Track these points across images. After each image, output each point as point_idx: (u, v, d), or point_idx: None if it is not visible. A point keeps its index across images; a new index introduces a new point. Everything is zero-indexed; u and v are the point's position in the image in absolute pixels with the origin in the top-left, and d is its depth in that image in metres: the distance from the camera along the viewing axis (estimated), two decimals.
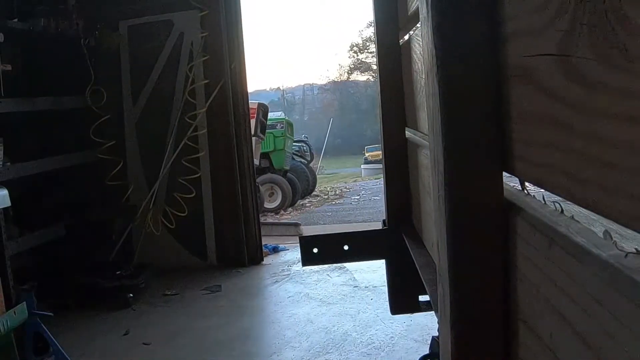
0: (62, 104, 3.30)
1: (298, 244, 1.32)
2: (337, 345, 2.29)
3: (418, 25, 0.98)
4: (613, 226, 0.41)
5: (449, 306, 0.55)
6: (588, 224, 0.46)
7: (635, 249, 0.38)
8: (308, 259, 1.21)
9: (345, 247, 1.18)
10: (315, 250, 1.16)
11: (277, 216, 6.28)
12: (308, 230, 4.82)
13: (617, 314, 0.36)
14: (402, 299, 1.24)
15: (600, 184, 0.38)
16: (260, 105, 5.71)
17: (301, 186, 7.68)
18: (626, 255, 0.39)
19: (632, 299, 0.34)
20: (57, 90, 3.41)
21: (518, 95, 0.50)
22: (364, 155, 8.72)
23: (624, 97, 0.34)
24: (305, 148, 8.70)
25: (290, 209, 7.15)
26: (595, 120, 0.37)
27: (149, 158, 3.59)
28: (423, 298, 1.24)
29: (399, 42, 1.27)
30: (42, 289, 2.75)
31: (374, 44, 1.28)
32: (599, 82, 0.36)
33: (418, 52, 1.01)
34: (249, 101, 3.70)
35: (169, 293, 3.16)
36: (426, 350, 1.37)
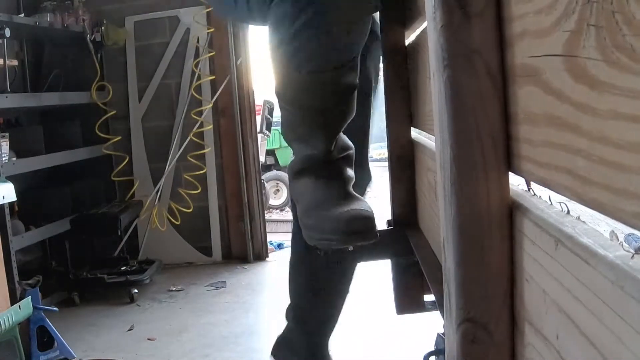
0: (68, 99, 3.31)
1: None
2: (342, 340, 2.29)
3: (424, 25, 0.98)
4: (619, 227, 0.41)
5: (454, 306, 0.55)
6: (594, 225, 0.46)
7: None
8: (311, 262, 1.21)
9: (350, 248, 1.18)
10: (319, 252, 1.16)
11: (283, 213, 6.28)
12: None
13: (623, 315, 0.36)
14: (408, 299, 1.24)
15: (607, 185, 0.38)
16: (266, 102, 5.71)
17: None
18: (633, 256, 0.39)
19: (638, 299, 0.34)
20: (63, 85, 3.42)
21: (525, 95, 0.50)
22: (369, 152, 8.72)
23: (631, 98, 0.34)
24: None
25: None
26: (602, 121, 0.37)
27: (154, 154, 3.60)
28: (428, 298, 1.24)
29: (405, 42, 1.26)
30: (47, 284, 2.77)
31: (380, 43, 1.28)
32: (606, 83, 0.36)
33: (425, 52, 1.00)
34: (255, 98, 3.70)
35: (174, 289, 3.17)
36: (430, 347, 1.37)
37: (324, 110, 1.06)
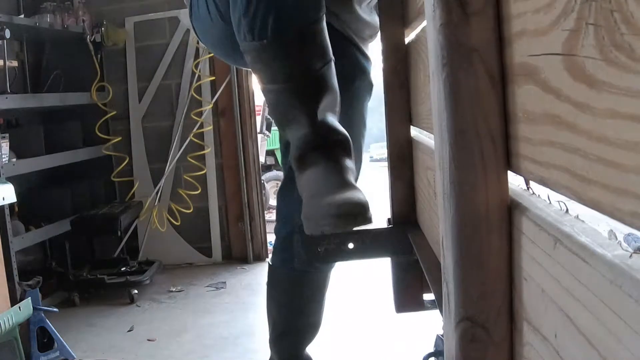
0: (68, 100, 3.32)
1: None
2: (341, 338, 2.30)
3: (424, 23, 0.98)
4: (618, 226, 0.41)
5: (453, 305, 0.55)
6: (593, 224, 0.46)
7: None
8: (312, 259, 1.21)
9: (350, 246, 1.18)
10: (319, 249, 1.16)
11: None
12: None
13: (621, 314, 0.36)
14: (407, 297, 1.24)
15: (605, 184, 0.38)
16: (266, 102, 5.71)
17: None
18: (631, 255, 0.39)
19: (636, 299, 0.34)
20: (63, 86, 3.42)
21: (523, 94, 0.50)
22: (369, 152, 8.70)
23: (630, 97, 0.34)
24: None
25: None
26: (601, 120, 0.37)
27: (154, 154, 3.60)
28: (427, 297, 1.24)
29: (404, 41, 1.26)
30: (47, 285, 2.77)
31: (380, 42, 1.28)
32: (604, 82, 0.36)
33: (424, 51, 1.00)
34: (255, 98, 3.71)
35: (174, 289, 3.17)
36: (430, 348, 1.37)
37: (295, 81, 1.09)
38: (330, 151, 1.08)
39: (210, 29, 1.27)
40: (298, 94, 1.09)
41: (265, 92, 1.15)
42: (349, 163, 1.10)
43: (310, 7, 1.08)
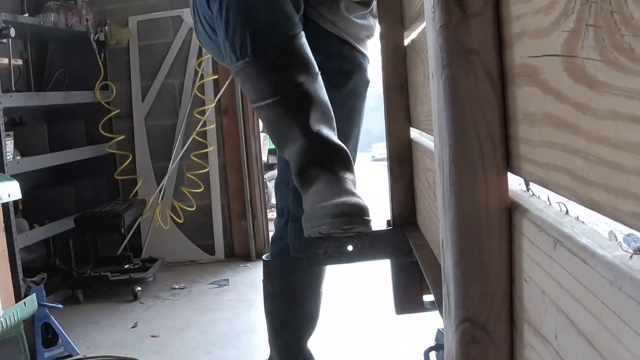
0: (71, 98, 3.32)
1: None
2: (341, 336, 2.30)
3: (424, 25, 0.98)
4: (618, 227, 0.41)
5: (453, 306, 0.55)
6: (593, 225, 0.46)
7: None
8: (311, 261, 1.21)
9: (349, 248, 1.18)
10: (318, 251, 1.16)
11: None
12: None
13: (622, 315, 0.36)
14: (407, 299, 1.24)
15: (605, 185, 0.38)
16: None
17: None
18: (631, 256, 0.39)
19: (637, 300, 0.34)
20: (67, 84, 3.43)
21: (523, 95, 0.50)
22: (371, 152, 8.67)
23: (629, 98, 0.34)
24: None
25: None
26: (601, 121, 0.37)
27: (157, 153, 3.61)
28: (427, 298, 1.24)
29: (404, 42, 1.26)
30: (51, 282, 2.78)
31: (379, 43, 1.28)
32: (604, 83, 0.36)
33: (423, 53, 1.00)
34: None
35: (177, 287, 3.18)
36: (431, 342, 1.37)
37: (281, 95, 1.13)
38: (331, 166, 1.10)
39: (211, 43, 1.32)
40: (285, 107, 1.13)
41: (256, 110, 1.19)
42: (350, 176, 1.12)
43: (283, 25, 1.13)
